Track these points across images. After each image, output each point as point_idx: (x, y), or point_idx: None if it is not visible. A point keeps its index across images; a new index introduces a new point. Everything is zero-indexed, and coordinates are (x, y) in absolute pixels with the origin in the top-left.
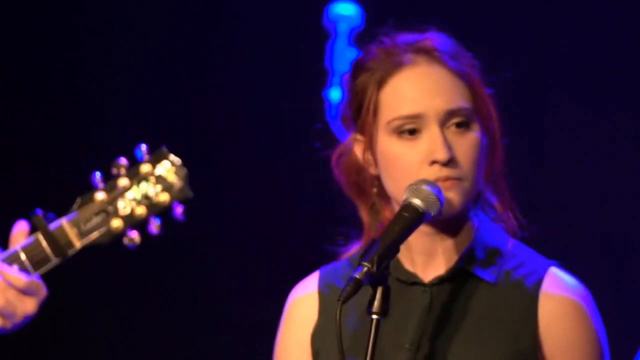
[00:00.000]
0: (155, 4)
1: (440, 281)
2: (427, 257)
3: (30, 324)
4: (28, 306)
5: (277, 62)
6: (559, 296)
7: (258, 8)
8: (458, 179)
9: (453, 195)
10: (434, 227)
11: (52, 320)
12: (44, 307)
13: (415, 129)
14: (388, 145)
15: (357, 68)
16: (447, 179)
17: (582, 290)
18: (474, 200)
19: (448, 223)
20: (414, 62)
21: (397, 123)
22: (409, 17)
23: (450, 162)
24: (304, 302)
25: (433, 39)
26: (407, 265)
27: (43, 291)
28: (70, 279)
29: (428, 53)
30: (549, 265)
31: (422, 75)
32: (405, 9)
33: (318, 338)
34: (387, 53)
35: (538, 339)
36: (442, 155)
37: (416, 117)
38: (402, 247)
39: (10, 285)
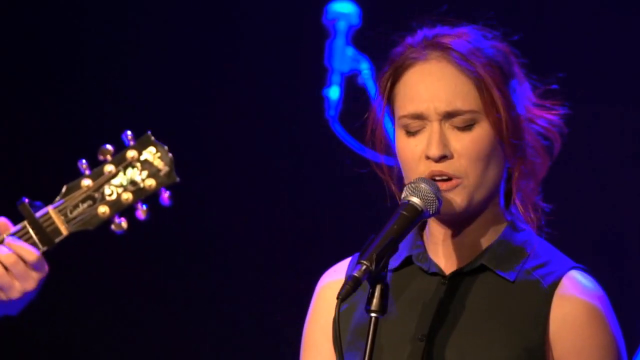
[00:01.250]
0: (156, 3)
1: (459, 274)
2: (450, 250)
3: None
4: (30, 282)
5: (276, 60)
6: (573, 298)
7: (257, 6)
8: (454, 177)
9: (453, 197)
10: (458, 222)
11: (48, 317)
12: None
13: (418, 128)
14: (399, 137)
15: (389, 56)
16: (440, 174)
17: (599, 293)
18: (487, 198)
19: (471, 218)
20: (426, 59)
21: (404, 121)
22: (407, 15)
23: (443, 159)
24: (331, 288)
25: (452, 35)
26: (432, 255)
27: (45, 268)
28: (66, 276)
29: (442, 50)
30: (570, 268)
31: (429, 74)
32: (403, 7)
33: (340, 322)
34: (412, 47)
35: (547, 339)
36: (433, 152)
37: (418, 116)
38: (429, 238)
39: (22, 258)
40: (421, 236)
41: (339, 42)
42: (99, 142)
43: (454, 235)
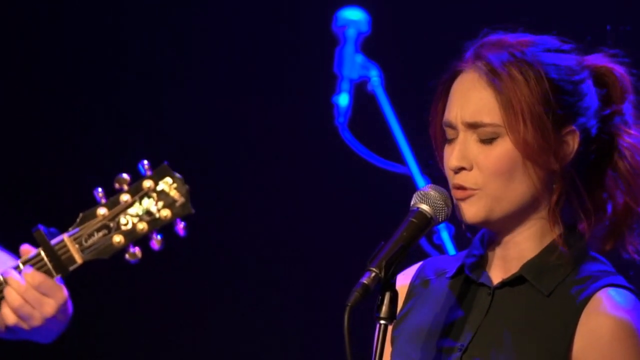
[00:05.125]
0: (166, 16)
1: (502, 285)
2: (499, 261)
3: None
4: (47, 308)
5: (286, 67)
6: (601, 315)
7: (266, 13)
8: (474, 188)
9: (467, 206)
10: (503, 232)
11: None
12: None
13: (453, 137)
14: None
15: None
16: (460, 187)
17: (630, 309)
18: (515, 212)
19: (514, 230)
20: (468, 68)
21: (445, 129)
22: (415, 22)
23: (462, 170)
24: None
25: (501, 44)
26: (485, 265)
27: (61, 293)
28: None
29: (479, 60)
30: (607, 284)
31: (464, 84)
32: (412, 14)
33: (396, 326)
34: (465, 57)
35: (571, 356)
36: (450, 162)
37: (449, 125)
38: (486, 247)
39: (28, 283)
40: (481, 245)
41: (349, 49)
42: (115, 170)
43: (501, 246)
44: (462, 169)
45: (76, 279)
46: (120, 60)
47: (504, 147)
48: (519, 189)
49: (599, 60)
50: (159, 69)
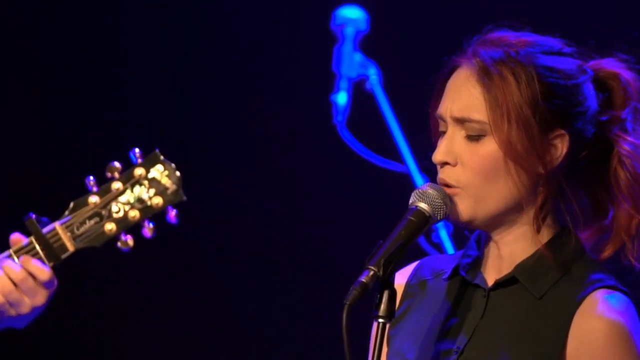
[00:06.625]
0: (166, 16)
1: (496, 286)
2: (493, 261)
3: (36, 322)
4: (39, 298)
5: (284, 65)
6: (593, 317)
7: (265, 12)
8: (455, 186)
9: (453, 205)
10: (495, 232)
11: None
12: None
13: (444, 130)
14: None
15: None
16: (443, 182)
17: (623, 311)
18: (501, 213)
19: (504, 230)
20: (464, 64)
21: (438, 121)
22: (413, 20)
23: (446, 165)
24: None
25: (498, 42)
26: (480, 266)
27: (54, 284)
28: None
29: (475, 57)
30: (599, 287)
31: (457, 79)
32: (410, 12)
33: (393, 326)
34: (463, 51)
35: (564, 359)
36: (435, 157)
37: (440, 118)
38: (482, 247)
39: (33, 275)
40: (477, 245)
41: (347, 47)
42: (107, 159)
43: (494, 246)
44: (447, 163)
45: (68, 275)
46: (120, 60)
47: (490, 146)
48: (502, 190)
49: (606, 64)
50: (159, 69)
